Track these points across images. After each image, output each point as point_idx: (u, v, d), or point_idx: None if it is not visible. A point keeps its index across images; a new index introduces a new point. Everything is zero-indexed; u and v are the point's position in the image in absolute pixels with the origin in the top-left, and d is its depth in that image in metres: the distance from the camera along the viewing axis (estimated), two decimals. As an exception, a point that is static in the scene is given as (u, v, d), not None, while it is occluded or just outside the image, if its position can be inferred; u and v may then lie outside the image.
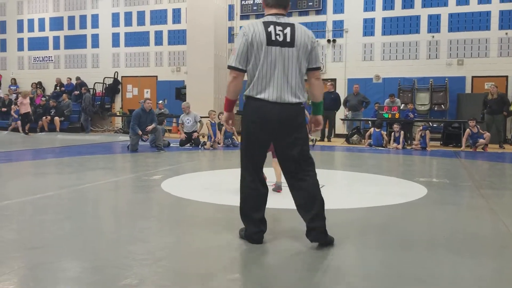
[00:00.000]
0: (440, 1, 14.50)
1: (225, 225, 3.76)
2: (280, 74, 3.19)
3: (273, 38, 3.18)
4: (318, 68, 3.35)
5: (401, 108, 13.11)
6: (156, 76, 18.08)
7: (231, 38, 16.46)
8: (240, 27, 13.68)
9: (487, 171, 8.15)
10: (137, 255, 3.04)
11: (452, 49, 14.46)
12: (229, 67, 3.24)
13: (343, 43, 15.61)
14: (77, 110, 17.30)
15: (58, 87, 18.73)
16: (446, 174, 7.47)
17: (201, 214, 4.33)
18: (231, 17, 16.63)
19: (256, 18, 15.81)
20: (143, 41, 18.22)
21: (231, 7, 16.52)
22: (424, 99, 14.50)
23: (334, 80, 15.45)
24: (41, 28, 20.00)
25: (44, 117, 16.27)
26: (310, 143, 11.38)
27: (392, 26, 15.08)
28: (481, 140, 11.25)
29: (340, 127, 15.01)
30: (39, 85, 19.41)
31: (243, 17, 16.79)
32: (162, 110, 15.03)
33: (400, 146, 11.77)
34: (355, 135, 13.36)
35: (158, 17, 17.99)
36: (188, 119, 11.88)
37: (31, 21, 20.18)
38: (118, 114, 18.05)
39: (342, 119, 14.55)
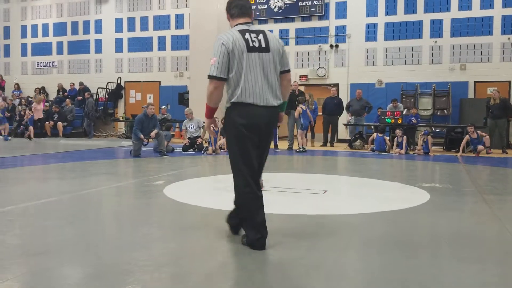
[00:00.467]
0: (443, 6, 14.51)
1: (228, 231, 3.74)
2: (263, 79, 3.31)
3: (251, 44, 3.29)
4: (289, 71, 3.53)
5: (403, 113, 13.08)
6: (159, 81, 18.11)
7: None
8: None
9: (490, 176, 8.13)
10: (139, 261, 3.04)
11: (454, 54, 14.44)
12: (211, 77, 3.26)
13: (346, 48, 15.62)
14: (80, 115, 17.34)
15: (60, 93, 18.78)
16: (449, 179, 7.45)
17: (203, 219, 4.32)
18: (233, 23, 16.63)
19: (259, 23, 15.86)
20: (146, 46, 18.27)
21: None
22: (426, 104, 14.47)
23: (336, 85, 15.45)
24: (45, 33, 20.07)
25: (47, 122, 16.31)
26: (302, 150, 11.49)
27: (395, 31, 15.09)
28: (480, 147, 11.20)
29: (343, 132, 15.01)
30: (42, 90, 19.46)
31: (246, 22, 16.79)
32: (165, 115, 15.04)
33: (403, 151, 11.74)
34: (358, 140, 13.33)
35: (161, 22, 18.04)
36: (191, 125, 11.92)
37: (34, 27, 20.26)
38: (121, 119, 18.08)
39: (344, 124, 14.54)
